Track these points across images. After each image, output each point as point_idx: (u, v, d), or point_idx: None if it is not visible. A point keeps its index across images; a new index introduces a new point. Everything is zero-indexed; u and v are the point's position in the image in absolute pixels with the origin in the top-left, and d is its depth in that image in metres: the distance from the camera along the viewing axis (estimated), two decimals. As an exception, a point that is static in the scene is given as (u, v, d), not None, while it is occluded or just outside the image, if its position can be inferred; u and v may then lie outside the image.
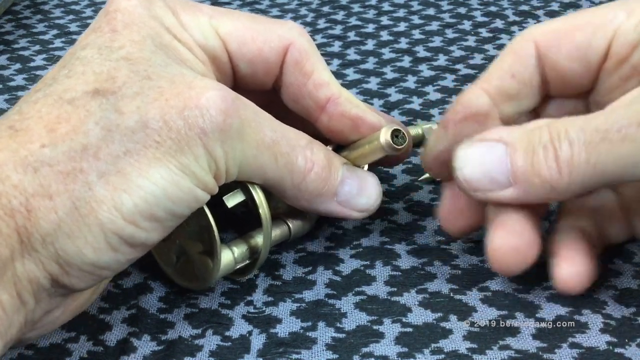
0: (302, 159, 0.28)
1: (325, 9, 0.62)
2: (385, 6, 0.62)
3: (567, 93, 0.30)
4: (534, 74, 0.29)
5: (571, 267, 0.28)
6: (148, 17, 0.28)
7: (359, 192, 0.30)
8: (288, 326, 0.29)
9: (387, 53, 0.53)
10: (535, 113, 0.31)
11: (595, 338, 0.27)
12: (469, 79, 0.48)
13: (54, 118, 0.24)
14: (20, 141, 0.24)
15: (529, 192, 0.26)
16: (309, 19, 0.60)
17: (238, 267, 0.30)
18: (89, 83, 0.25)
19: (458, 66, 0.50)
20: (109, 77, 0.25)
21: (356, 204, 0.30)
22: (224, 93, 0.26)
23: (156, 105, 0.25)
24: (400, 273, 0.31)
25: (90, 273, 0.24)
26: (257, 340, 0.28)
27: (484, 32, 0.56)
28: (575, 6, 0.60)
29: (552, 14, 0.59)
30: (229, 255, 0.29)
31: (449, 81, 0.48)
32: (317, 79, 0.30)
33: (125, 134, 0.24)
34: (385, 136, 0.29)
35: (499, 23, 0.58)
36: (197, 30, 0.29)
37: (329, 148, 0.30)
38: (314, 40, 0.56)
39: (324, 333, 0.28)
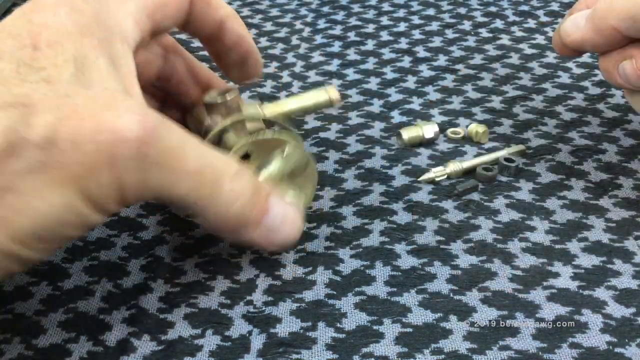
0: (228, 189, 0.27)
1: (325, 9, 0.62)
2: (385, 6, 0.62)
3: None
4: None
5: None
6: (76, 35, 0.26)
7: (282, 225, 0.29)
8: (288, 326, 0.29)
9: (387, 53, 0.53)
10: None
11: (595, 338, 0.27)
12: (469, 79, 0.48)
13: None
14: None
15: (595, 27, 0.33)
16: (309, 19, 0.60)
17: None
18: (3, 98, 0.24)
19: (458, 66, 0.50)
20: (23, 94, 0.24)
21: (277, 237, 0.30)
22: (144, 118, 0.24)
23: (68, 124, 0.23)
24: (400, 273, 0.31)
25: None
26: (257, 340, 0.28)
27: (484, 32, 0.56)
28: (575, 6, 0.60)
29: (552, 14, 0.59)
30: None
31: (449, 81, 0.48)
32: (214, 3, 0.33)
33: (30, 150, 0.23)
34: (334, 94, 0.36)
35: (499, 23, 0.58)
36: (129, 22, 0.29)
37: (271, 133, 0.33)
38: (314, 40, 0.56)
39: (324, 333, 0.28)
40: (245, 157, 0.32)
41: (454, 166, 0.37)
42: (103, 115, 0.24)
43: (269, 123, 0.35)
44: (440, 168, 0.37)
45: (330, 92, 0.36)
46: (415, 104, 0.45)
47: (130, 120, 0.24)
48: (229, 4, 0.63)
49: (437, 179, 0.37)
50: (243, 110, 0.34)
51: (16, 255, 0.24)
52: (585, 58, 0.50)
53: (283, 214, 0.29)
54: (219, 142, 0.33)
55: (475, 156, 0.39)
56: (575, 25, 0.35)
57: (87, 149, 0.23)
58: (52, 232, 0.24)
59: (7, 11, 0.60)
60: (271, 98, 0.46)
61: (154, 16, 0.30)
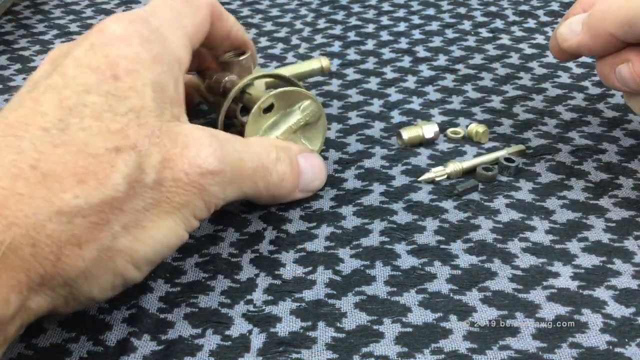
0: (276, 175, 0.33)
1: (325, 9, 0.62)
2: (385, 6, 0.62)
3: None
4: None
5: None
6: (150, 62, 0.29)
7: (313, 177, 0.35)
8: (288, 325, 0.29)
9: (387, 53, 0.53)
10: None
11: (595, 338, 0.27)
12: (469, 79, 0.48)
13: (81, 169, 0.25)
14: (52, 188, 0.24)
15: (591, 33, 0.34)
16: (309, 19, 0.60)
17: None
18: (107, 140, 0.26)
19: (458, 66, 0.50)
20: (123, 134, 0.27)
21: (312, 188, 0.36)
22: (215, 148, 0.29)
23: (167, 165, 0.27)
24: (400, 273, 0.31)
25: (83, 305, 0.27)
26: (257, 340, 0.28)
27: (484, 32, 0.56)
28: (575, 6, 0.60)
29: (552, 14, 0.59)
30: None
31: (449, 81, 0.48)
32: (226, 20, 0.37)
33: (145, 191, 0.27)
34: (325, 62, 0.42)
35: (499, 23, 0.58)
36: (182, 47, 0.32)
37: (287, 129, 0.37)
38: (314, 40, 0.56)
39: (324, 333, 0.28)
40: (269, 109, 0.36)
41: (454, 166, 0.37)
42: (189, 154, 0.28)
43: (279, 82, 0.39)
44: (440, 168, 0.37)
45: (322, 61, 0.42)
46: (415, 104, 0.45)
47: (208, 155, 0.28)
48: (229, 3, 0.63)
49: (437, 179, 0.37)
50: (254, 71, 0.38)
51: (130, 277, 0.27)
52: (585, 58, 0.50)
53: (312, 167, 0.35)
54: (241, 95, 0.37)
55: (475, 156, 0.39)
56: (571, 30, 0.36)
57: (183, 184, 0.28)
58: (159, 255, 0.28)
59: (7, 11, 0.60)
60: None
61: (193, 40, 0.33)
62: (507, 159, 0.38)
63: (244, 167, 0.31)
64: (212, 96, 0.39)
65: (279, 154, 0.33)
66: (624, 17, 0.32)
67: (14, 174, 0.24)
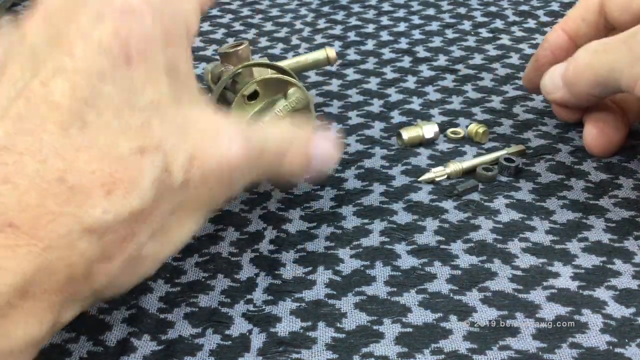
0: (291, 156, 0.30)
1: (325, 9, 0.62)
2: (385, 6, 0.62)
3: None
4: (599, 18, 0.38)
5: (596, 130, 0.38)
6: (163, 42, 0.26)
7: (326, 153, 0.33)
8: (288, 325, 0.29)
9: (387, 53, 0.53)
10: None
11: (595, 338, 0.27)
12: (469, 79, 0.48)
13: (107, 177, 0.23)
14: (81, 204, 0.22)
15: (571, 91, 0.37)
16: (309, 19, 0.60)
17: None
18: (131, 140, 0.24)
19: (458, 66, 0.50)
20: (145, 132, 0.24)
21: (329, 163, 0.33)
22: (241, 138, 0.27)
23: (195, 164, 0.25)
24: (400, 273, 0.31)
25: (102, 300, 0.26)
26: (257, 339, 0.28)
27: (484, 32, 0.56)
28: (575, 6, 0.60)
29: (552, 14, 0.59)
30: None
31: (449, 81, 0.48)
32: None
33: (172, 194, 0.25)
34: (331, 53, 0.42)
35: (499, 23, 0.58)
36: (193, 16, 0.29)
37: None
38: (314, 40, 0.56)
39: (323, 333, 0.28)
40: (253, 96, 0.36)
41: (454, 166, 0.37)
42: (216, 149, 0.26)
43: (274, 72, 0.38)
44: (440, 168, 0.37)
45: (328, 51, 0.42)
46: (415, 104, 0.45)
47: (236, 147, 0.26)
48: (229, 3, 0.63)
49: (437, 179, 0.37)
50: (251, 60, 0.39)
51: (148, 275, 0.26)
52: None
53: (322, 145, 0.33)
54: (232, 84, 0.37)
55: (475, 156, 0.39)
56: (554, 85, 0.38)
57: (211, 180, 0.26)
58: (177, 251, 0.27)
59: (7, 11, 0.60)
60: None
61: (202, 3, 0.30)
62: (507, 159, 0.38)
63: (265, 152, 0.29)
64: (214, 85, 0.40)
65: (293, 138, 0.31)
66: (595, 79, 0.35)
67: (43, 189, 0.22)
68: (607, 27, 0.38)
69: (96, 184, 0.23)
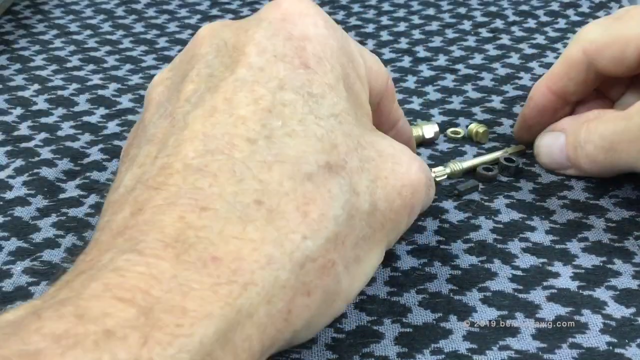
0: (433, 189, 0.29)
1: (325, 9, 0.62)
2: (385, 6, 0.62)
3: (617, 81, 0.37)
4: (587, 74, 0.35)
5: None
6: (338, 50, 0.25)
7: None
8: (288, 326, 0.29)
9: (387, 53, 0.53)
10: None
11: (595, 338, 0.27)
12: (469, 79, 0.48)
13: (301, 198, 0.21)
14: (280, 228, 0.21)
15: (580, 172, 0.35)
16: (309, 19, 0.60)
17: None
18: (318, 152, 0.22)
19: (458, 66, 0.50)
20: (331, 145, 0.23)
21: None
22: (422, 164, 0.26)
23: (379, 184, 0.24)
24: (400, 273, 0.31)
25: None
26: (257, 340, 0.28)
27: (484, 32, 0.56)
28: (575, 6, 0.60)
29: (552, 14, 0.59)
30: None
31: (449, 81, 0.48)
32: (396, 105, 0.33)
33: (362, 219, 0.23)
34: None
35: (499, 23, 0.58)
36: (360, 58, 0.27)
37: None
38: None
39: (323, 333, 0.28)
40: None
41: (454, 166, 0.37)
42: (398, 170, 0.25)
43: None
44: (440, 168, 0.37)
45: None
46: (415, 104, 0.45)
47: (418, 169, 0.25)
48: (229, 3, 0.63)
49: (437, 179, 0.37)
50: None
51: (339, 313, 0.24)
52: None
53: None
54: None
55: (475, 156, 0.39)
56: (558, 164, 0.36)
57: (397, 205, 0.24)
58: (366, 283, 0.25)
59: (7, 11, 0.60)
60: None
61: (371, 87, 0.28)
62: (507, 159, 0.38)
63: (432, 184, 0.28)
64: None
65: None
66: (612, 170, 0.34)
67: (243, 215, 0.20)
68: (598, 79, 0.36)
69: (291, 205, 0.21)
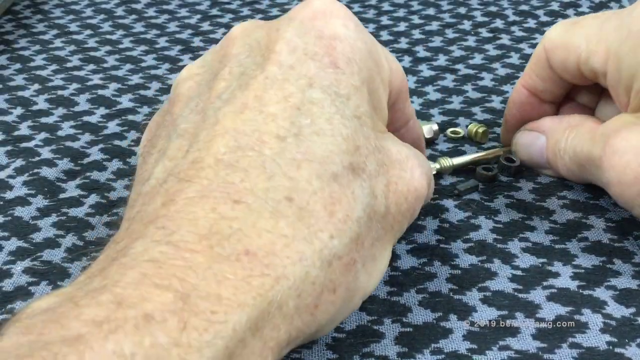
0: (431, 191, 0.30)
1: (325, 8, 0.62)
2: (385, 6, 0.62)
3: (587, 88, 0.35)
4: (550, 73, 0.34)
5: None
6: (366, 53, 0.25)
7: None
8: (288, 326, 0.29)
9: (387, 53, 0.53)
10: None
11: (595, 338, 0.27)
12: (468, 79, 0.48)
13: (328, 197, 0.22)
14: (310, 225, 0.21)
15: (559, 175, 0.35)
16: (309, 19, 0.60)
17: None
18: (343, 153, 0.23)
19: (458, 66, 0.50)
20: (354, 146, 0.23)
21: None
22: (426, 169, 0.27)
23: (391, 189, 0.25)
24: (400, 273, 0.31)
25: None
26: (257, 340, 0.28)
27: (484, 32, 0.56)
28: (575, 6, 0.60)
29: (552, 14, 0.59)
30: None
31: (449, 81, 0.48)
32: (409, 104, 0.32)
33: (378, 221, 0.24)
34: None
35: (499, 23, 0.58)
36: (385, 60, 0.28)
37: None
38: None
39: (324, 333, 0.28)
40: None
41: (445, 162, 0.37)
42: (407, 176, 0.26)
43: None
44: (429, 163, 0.37)
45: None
46: (415, 104, 0.45)
47: (420, 176, 0.26)
48: (229, 3, 0.63)
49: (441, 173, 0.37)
50: None
51: (355, 308, 0.25)
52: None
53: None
54: None
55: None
56: (529, 156, 0.36)
57: (403, 209, 0.25)
58: (380, 281, 0.26)
59: (7, 11, 0.60)
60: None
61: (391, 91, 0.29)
62: (507, 159, 0.38)
63: (432, 186, 0.29)
64: None
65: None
66: (581, 177, 0.33)
67: (275, 210, 0.21)
68: (563, 80, 0.35)
69: (319, 204, 0.22)
